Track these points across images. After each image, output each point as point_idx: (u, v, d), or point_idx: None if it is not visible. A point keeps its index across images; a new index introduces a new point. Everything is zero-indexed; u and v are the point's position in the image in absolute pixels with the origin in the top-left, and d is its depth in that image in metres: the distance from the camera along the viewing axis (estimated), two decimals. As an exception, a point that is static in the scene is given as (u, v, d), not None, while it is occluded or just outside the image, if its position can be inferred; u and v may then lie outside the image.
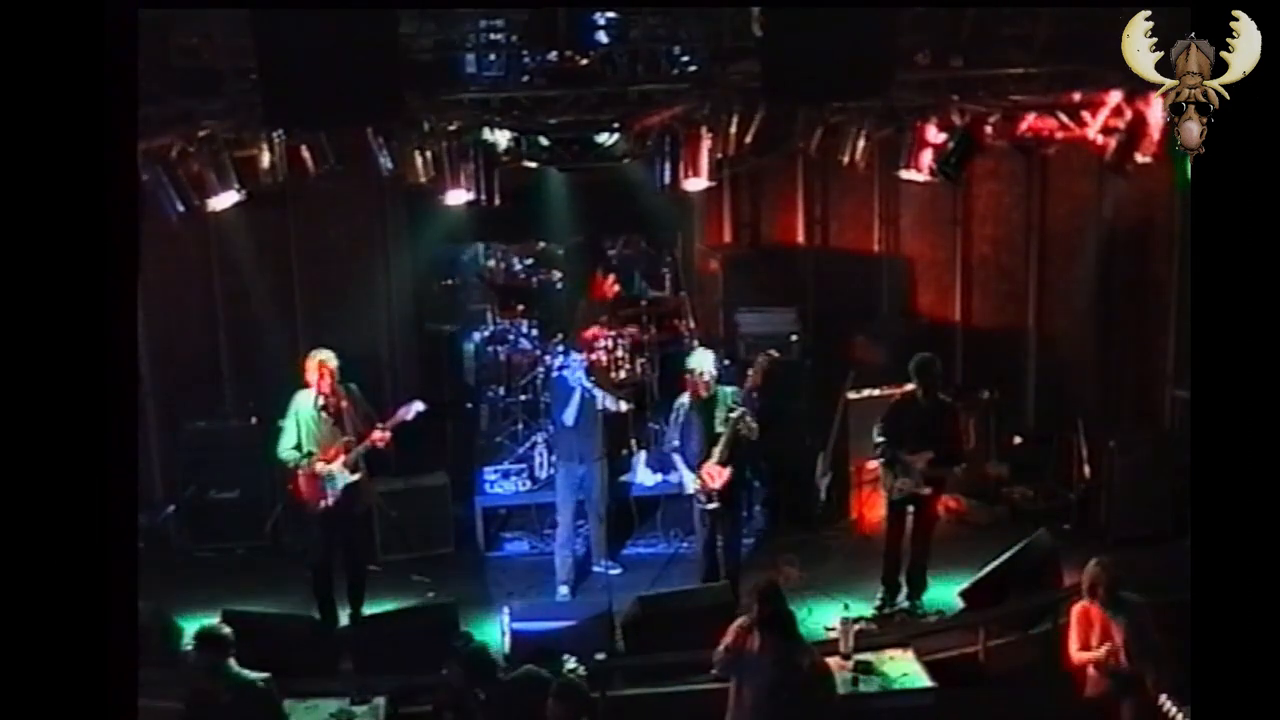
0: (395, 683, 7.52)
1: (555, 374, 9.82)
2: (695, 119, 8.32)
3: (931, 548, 8.94)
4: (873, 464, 9.19)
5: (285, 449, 8.41)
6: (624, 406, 10.00)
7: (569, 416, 9.28)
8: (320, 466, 8.37)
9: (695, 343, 10.98)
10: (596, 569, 9.58)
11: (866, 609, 8.72)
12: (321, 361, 8.35)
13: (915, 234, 12.06)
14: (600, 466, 9.47)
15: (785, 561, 9.39)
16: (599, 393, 9.36)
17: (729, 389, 8.77)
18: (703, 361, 8.69)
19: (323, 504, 8.42)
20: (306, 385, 8.41)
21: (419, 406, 8.57)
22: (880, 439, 8.73)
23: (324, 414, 8.39)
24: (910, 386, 8.72)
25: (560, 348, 10.35)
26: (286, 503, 9.26)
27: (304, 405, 8.42)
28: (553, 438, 10.10)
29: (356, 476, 8.48)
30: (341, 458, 8.38)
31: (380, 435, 8.41)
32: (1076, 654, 6.86)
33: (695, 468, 8.63)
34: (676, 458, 8.85)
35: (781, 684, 6.35)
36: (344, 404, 8.42)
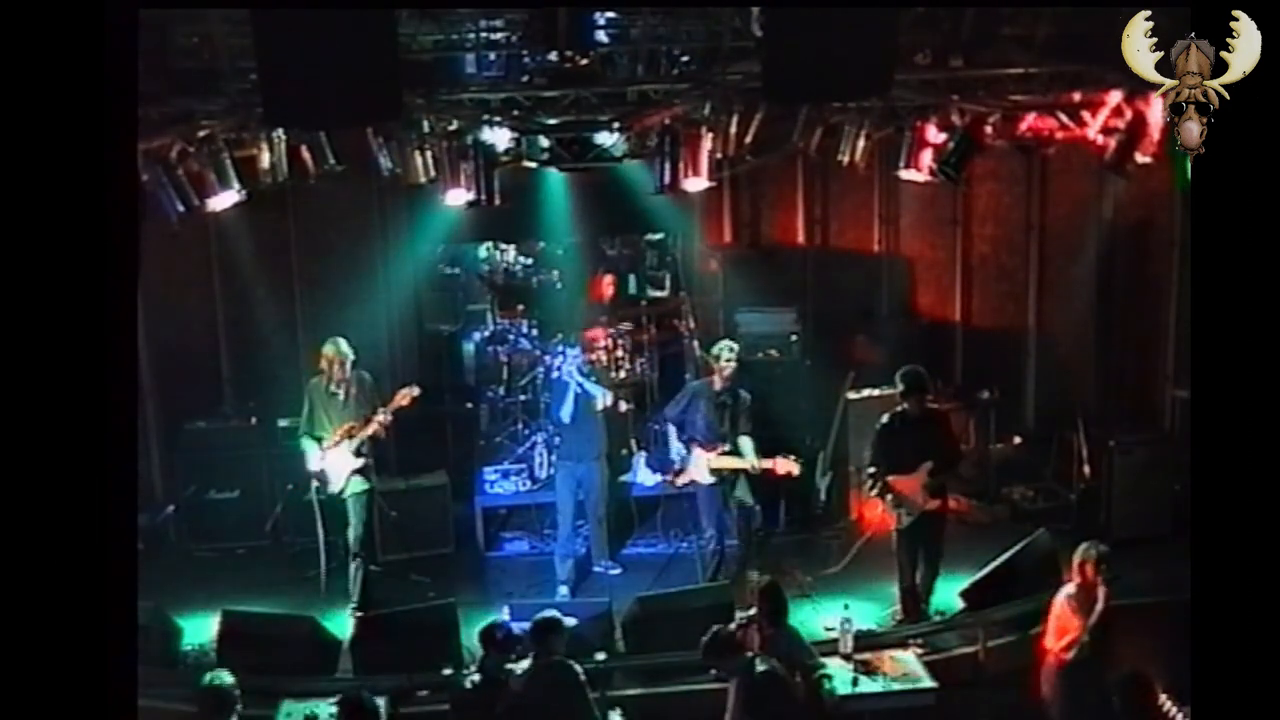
0: (395, 683, 7.52)
1: (554, 373, 9.84)
2: (695, 119, 8.32)
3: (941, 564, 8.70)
4: (870, 494, 8.93)
5: (302, 435, 8.92)
6: (623, 406, 10.00)
7: (565, 413, 9.32)
8: (328, 448, 8.79)
9: (695, 343, 11.04)
10: (597, 569, 9.58)
11: (868, 611, 8.71)
12: (322, 354, 8.82)
13: (915, 234, 12.07)
14: (600, 465, 9.47)
15: (788, 564, 9.41)
16: (593, 388, 9.36)
17: (747, 396, 9.09)
18: (725, 350, 9.07)
19: (327, 488, 8.83)
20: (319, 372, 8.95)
21: (414, 391, 8.96)
22: (871, 469, 8.58)
23: (333, 397, 8.83)
24: (895, 392, 8.61)
25: (559, 347, 10.37)
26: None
27: (316, 389, 8.92)
28: (552, 437, 10.10)
29: (360, 462, 8.83)
30: (346, 441, 8.75)
31: (381, 420, 8.79)
32: (1053, 644, 6.97)
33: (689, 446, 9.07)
34: (672, 432, 9.20)
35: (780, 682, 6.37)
36: (353, 390, 8.84)
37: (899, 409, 8.52)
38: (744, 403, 9.06)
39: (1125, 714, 5.94)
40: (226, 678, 6.15)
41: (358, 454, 8.81)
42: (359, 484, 8.91)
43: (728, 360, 9.01)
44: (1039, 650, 7.14)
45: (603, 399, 9.38)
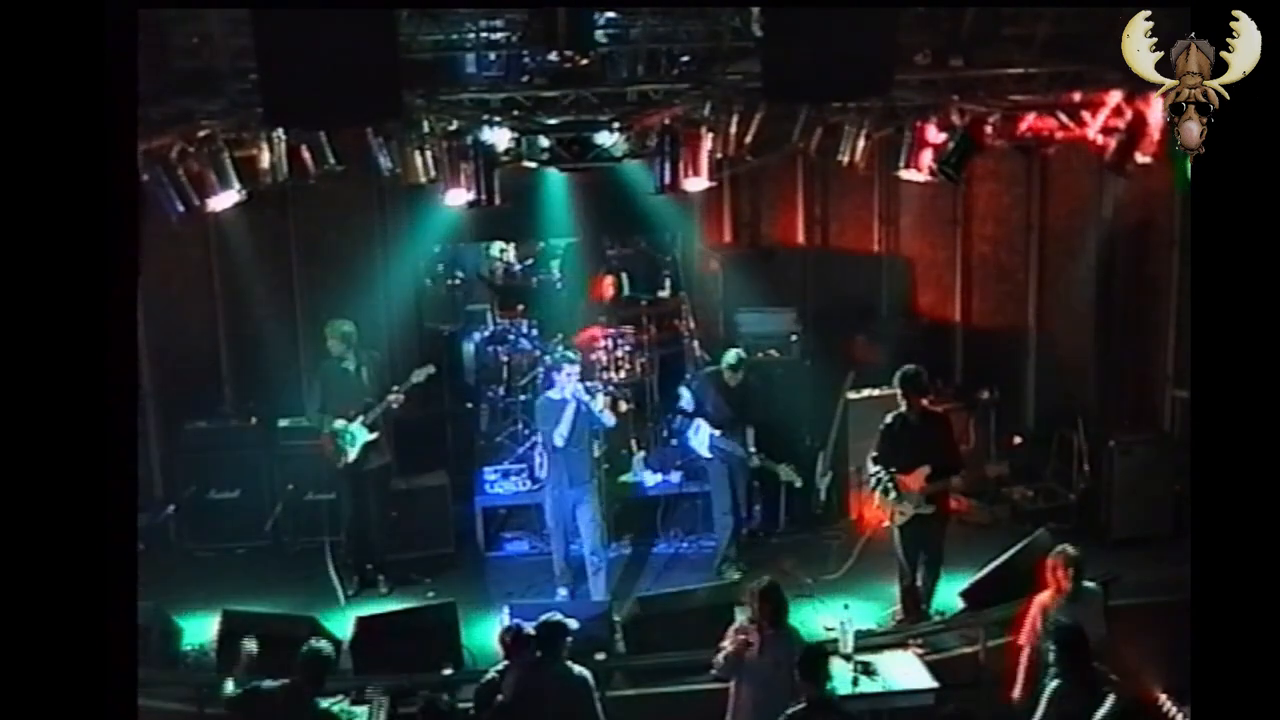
0: (395, 683, 7.52)
1: (542, 396, 9.45)
2: (695, 119, 8.32)
3: (942, 566, 8.70)
4: (874, 494, 8.80)
5: (311, 411, 9.31)
6: (623, 406, 9.98)
7: (560, 436, 8.89)
8: (339, 423, 9.03)
9: (696, 343, 11.04)
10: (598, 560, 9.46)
11: (868, 611, 8.71)
12: (329, 337, 9.17)
13: (915, 234, 12.07)
14: (592, 490, 9.08)
15: (788, 564, 9.42)
16: (599, 414, 9.05)
17: (756, 391, 9.68)
18: (727, 361, 9.60)
19: (342, 461, 9.07)
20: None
21: (429, 369, 9.25)
22: (875, 467, 8.55)
23: (346, 373, 9.13)
24: (894, 392, 8.58)
25: (543, 368, 10.24)
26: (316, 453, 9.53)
27: (330, 369, 9.22)
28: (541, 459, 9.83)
29: (374, 436, 9.08)
30: (360, 417, 9.01)
31: (395, 396, 9.06)
32: (1024, 643, 6.98)
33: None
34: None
35: (781, 683, 6.37)
36: (364, 366, 9.16)
37: (901, 410, 8.52)
38: (753, 398, 9.52)
39: (1059, 664, 6.25)
40: (325, 645, 6.56)
41: (372, 429, 9.07)
42: (374, 458, 9.18)
43: (730, 370, 9.50)
44: (1012, 652, 7.15)
45: (601, 417, 9.07)
